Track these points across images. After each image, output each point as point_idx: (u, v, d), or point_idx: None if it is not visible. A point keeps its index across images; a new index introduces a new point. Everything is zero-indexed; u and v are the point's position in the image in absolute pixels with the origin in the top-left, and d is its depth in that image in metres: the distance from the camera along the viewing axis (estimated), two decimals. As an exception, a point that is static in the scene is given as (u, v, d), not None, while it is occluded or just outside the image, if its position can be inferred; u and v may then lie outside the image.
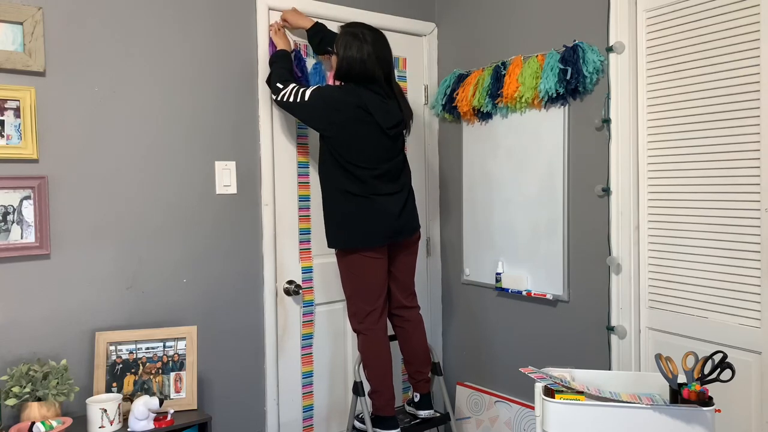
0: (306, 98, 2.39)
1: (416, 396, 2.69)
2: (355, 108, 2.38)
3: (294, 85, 2.44)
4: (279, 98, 2.45)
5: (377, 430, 2.51)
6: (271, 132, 2.66)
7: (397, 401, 2.67)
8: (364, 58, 2.37)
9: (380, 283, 2.50)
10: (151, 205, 2.38)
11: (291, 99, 2.41)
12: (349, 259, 2.47)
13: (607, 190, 2.44)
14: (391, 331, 2.66)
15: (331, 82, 2.79)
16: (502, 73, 2.75)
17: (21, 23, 2.09)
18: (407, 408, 2.78)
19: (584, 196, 2.53)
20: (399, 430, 2.52)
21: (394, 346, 2.64)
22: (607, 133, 2.43)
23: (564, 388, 1.82)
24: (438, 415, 2.72)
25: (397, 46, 3.05)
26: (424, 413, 2.67)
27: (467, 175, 3.03)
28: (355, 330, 2.56)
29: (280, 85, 2.46)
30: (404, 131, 2.55)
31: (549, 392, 1.82)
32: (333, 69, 2.48)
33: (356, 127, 2.39)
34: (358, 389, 2.62)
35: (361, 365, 2.56)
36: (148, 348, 2.27)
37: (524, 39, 2.73)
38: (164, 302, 2.41)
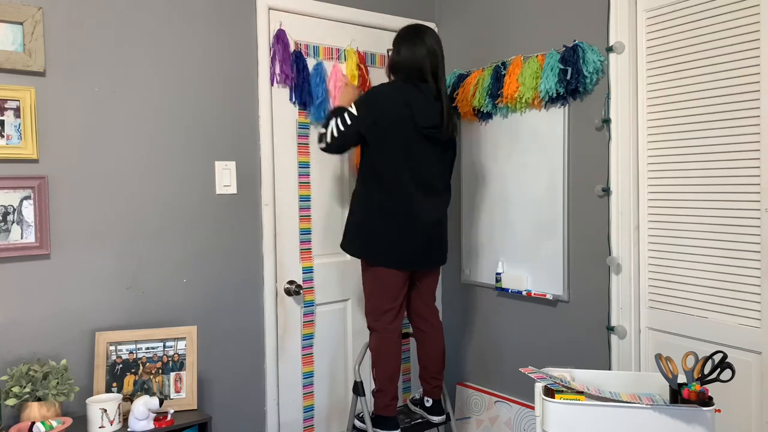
0: (354, 113, 2.36)
1: (428, 401, 2.67)
2: (395, 103, 2.35)
3: (333, 118, 2.39)
4: (327, 141, 2.39)
5: (377, 430, 2.51)
6: (271, 132, 2.66)
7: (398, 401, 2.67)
8: (418, 55, 2.39)
9: (399, 288, 2.49)
10: (151, 205, 2.38)
11: (337, 130, 2.37)
12: (367, 267, 2.49)
13: (607, 190, 2.44)
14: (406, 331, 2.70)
15: (331, 84, 2.79)
16: (502, 73, 2.75)
17: (21, 23, 2.09)
18: (411, 407, 2.77)
19: (584, 196, 2.53)
20: (399, 430, 2.52)
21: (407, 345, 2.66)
22: (607, 133, 2.43)
23: (564, 388, 1.82)
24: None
25: (397, 46, 3.05)
26: (437, 419, 2.66)
27: (467, 175, 3.03)
28: (369, 327, 2.55)
29: (322, 130, 2.43)
30: (448, 142, 2.49)
31: (549, 392, 1.82)
32: (387, 65, 2.53)
33: (396, 124, 2.35)
34: (358, 389, 2.62)
35: (371, 363, 2.55)
36: (148, 348, 2.27)
37: (524, 39, 2.73)
38: (164, 302, 2.41)
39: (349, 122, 2.36)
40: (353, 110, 2.36)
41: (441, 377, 2.66)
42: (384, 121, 2.35)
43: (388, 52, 2.58)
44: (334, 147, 2.42)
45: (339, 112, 2.40)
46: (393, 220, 2.39)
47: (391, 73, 2.49)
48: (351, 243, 2.49)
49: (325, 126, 2.42)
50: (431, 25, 3.15)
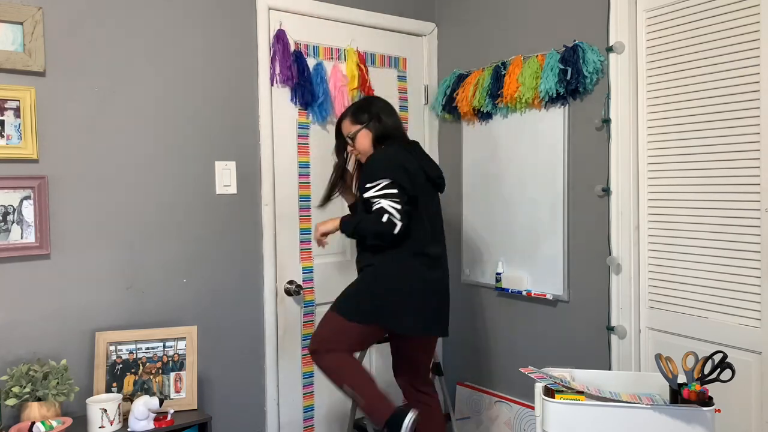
0: (390, 183, 2.17)
1: None
2: (406, 160, 2.24)
3: (378, 207, 2.16)
4: (397, 227, 2.15)
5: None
6: (271, 132, 2.66)
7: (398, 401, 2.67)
8: (397, 120, 2.40)
9: (365, 346, 2.45)
10: (151, 205, 2.38)
11: (397, 210, 2.15)
12: (351, 323, 2.25)
13: (607, 190, 2.44)
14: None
15: (331, 85, 2.79)
16: (502, 73, 2.75)
17: (21, 23, 2.09)
18: None
19: (584, 196, 2.53)
20: (412, 411, 2.16)
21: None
22: (607, 133, 2.43)
23: (564, 388, 1.82)
24: None
25: (397, 46, 3.06)
26: None
27: (467, 175, 3.03)
28: (314, 351, 2.30)
29: (377, 227, 2.17)
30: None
31: (549, 392, 1.82)
32: (368, 144, 2.35)
33: (417, 181, 2.25)
34: (358, 389, 2.61)
35: (335, 385, 2.29)
36: (148, 348, 2.27)
37: (524, 39, 2.73)
38: (164, 302, 2.41)
39: (397, 192, 2.17)
40: (386, 183, 2.17)
41: None
42: (413, 178, 2.24)
43: (356, 134, 2.37)
44: (404, 225, 2.17)
45: (372, 203, 2.18)
46: (414, 274, 2.24)
47: (379, 142, 2.34)
48: (349, 304, 2.28)
49: (374, 223, 2.17)
50: (431, 25, 3.15)
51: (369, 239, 2.25)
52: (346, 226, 2.31)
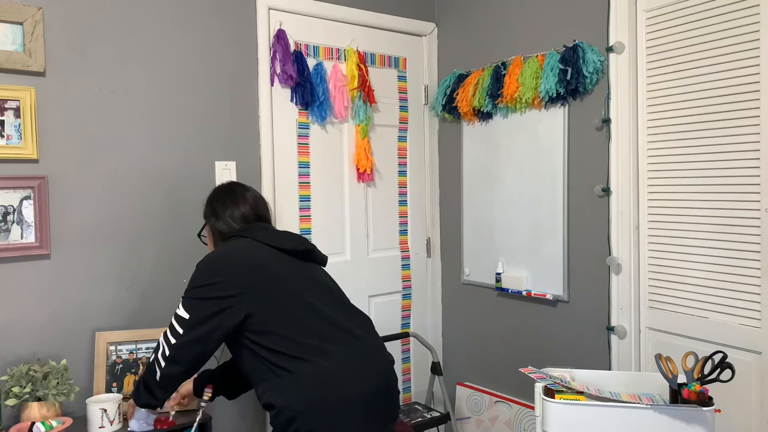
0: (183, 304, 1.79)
1: None
2: (254, 267, 1.80)
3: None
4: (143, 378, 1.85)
5: None
6: (271, 132, 2.66)
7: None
8: (237, 209, 1.96)
9: None
10: (151, 205, 2.38)
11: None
12: None
13: (607, 190, 2.44)
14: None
15: (331, 84, 2.79)
16: (502, 73, 2.75)
17: (21, 23, 2.09)
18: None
19: (584, 196, 2.53)
20: None
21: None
22: (607, 133, 2.43)
23: (564, 388, 1.82)
24: None
25: (397, 46, 3.06)
26: None
27: (467, 176, 3.03)
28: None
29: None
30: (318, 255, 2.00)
31: (549, 392, 1.82)
32: (212, 244, 2.02)
33: (268, 285, 1.80)
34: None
35: None
36: (148, 348, 2.27)
37: (524, 39, 2.73)
38: (164, 302, 2.41)
39: (186, 319, 1.79)
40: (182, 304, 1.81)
41: None
42: (258, 293, 1.79)
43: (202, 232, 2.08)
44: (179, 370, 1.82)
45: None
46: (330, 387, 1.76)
47: (223, 240, 1.97)
48: None
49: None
50: (431, 25, 3.15)
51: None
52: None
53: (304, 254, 1.90)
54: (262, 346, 1.72)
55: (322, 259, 1.99)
